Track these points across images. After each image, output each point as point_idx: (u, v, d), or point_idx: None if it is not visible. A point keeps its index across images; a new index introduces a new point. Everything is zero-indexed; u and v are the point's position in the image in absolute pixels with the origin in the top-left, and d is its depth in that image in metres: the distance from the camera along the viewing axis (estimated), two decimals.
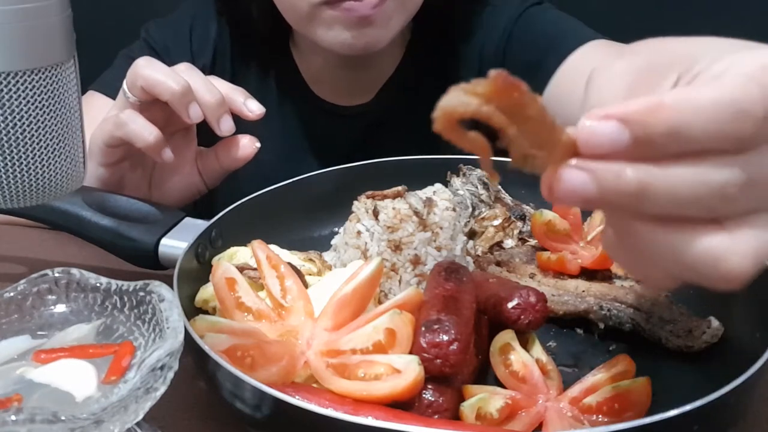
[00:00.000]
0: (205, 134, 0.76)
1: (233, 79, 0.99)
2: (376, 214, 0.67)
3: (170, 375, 0.44)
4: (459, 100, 0.32)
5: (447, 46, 0.97)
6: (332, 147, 1.00)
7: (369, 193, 0.69)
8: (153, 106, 0.72)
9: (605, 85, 0.38)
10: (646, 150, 0.33)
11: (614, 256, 0.38)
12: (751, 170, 0.33)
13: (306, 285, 0.62)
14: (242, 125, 0.75)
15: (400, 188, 0.69)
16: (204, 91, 0.72)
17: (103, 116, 0.84)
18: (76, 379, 0.47)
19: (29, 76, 0.44)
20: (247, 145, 0.76)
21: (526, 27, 0.95)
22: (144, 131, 0.71)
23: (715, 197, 0.33)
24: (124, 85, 0.73)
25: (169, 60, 0.96)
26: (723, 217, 0.33)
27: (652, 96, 0.33)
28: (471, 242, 0.72)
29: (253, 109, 0.75)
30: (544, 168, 0.34)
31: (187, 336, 0.49)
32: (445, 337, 0.50)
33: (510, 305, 0.57)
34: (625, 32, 0.62)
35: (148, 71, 0.71)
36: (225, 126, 0.73)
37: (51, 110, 0.46)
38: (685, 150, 0.33)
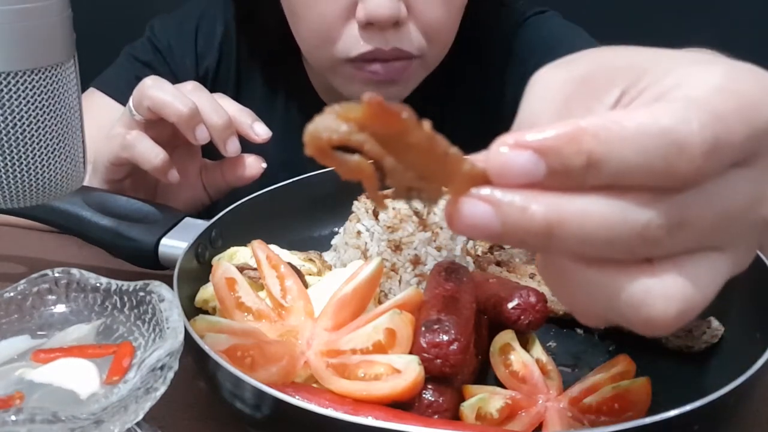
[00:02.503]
0: (210, 144, 0.75)
1: (238, 83, 0.98)
2: (376, 214, 0.67)
3: (170, 375, 0.44)
4: (327, 125, 0.29)
5: (459, 60, 0.96)
6: None
7: None
8: (159, 123, 0.72)
9: (540, 95, 0.33)
10: (565, 181, 0.29)
11: (547, 285, 0.34)
12: (684, 211, 0.29)
13: (306, 285, 0.62)
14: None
15: None
16: (211, 112, 0.72)
17: (103, 116, 0.84)
18: (79, 377, 0.47)
19: (29, 76, 0.44)
20: (253, 164, 0.76)
21: (527, 35, 0.94)
22: (150, 154, 0.71)
23: (635, 239, 0.29)
24: (131, 103, 0.72)
25: (172, 60, 0.96)
26: (653, 257, 0.30)
27: (572, 121, 0.29)
28: (471, 242, 0.72)
29: (260, 132, 0.74)
30: (436, 201, 0.31)
31: (187, 336, 0.49)
32: (445, 337, 0.50)
33: (510, 305, 0.57)
34: (628, 38, 0.63)
35: (155, 92, 0.70)
36: (231, 148, 0.73)
37: (51, 110, 0.46)
38: (607, 183, 0.28)
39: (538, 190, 0.29)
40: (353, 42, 0.78)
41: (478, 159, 0.30)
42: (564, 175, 0.28)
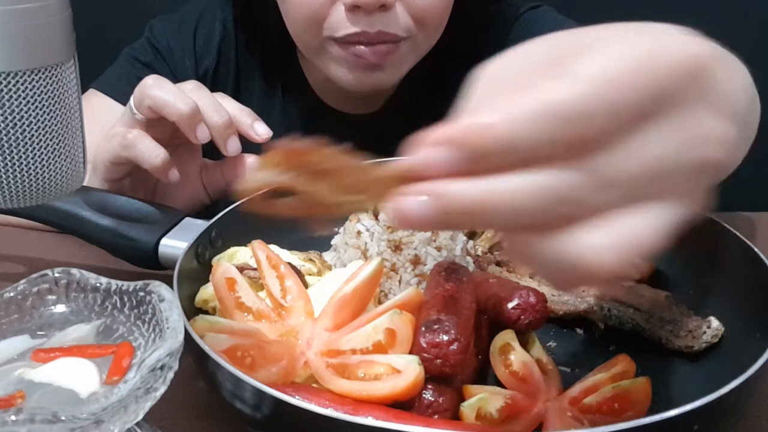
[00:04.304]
0: (210, 144, 0.75)
1: (237, 82, 0.99)
2: (376, 214, 0.67)
3: (170, 375, 0.44)
4: (253, 181, 0.34)
5: (454, 57, 0.96)
6: None
7: None
8: (159, 122, 0.72)
9: (485, 81, 0.35)
10: (487, 164, 0.32)
11: (514, 261, 0.37)
12: (604, 171, 0.31)
13: (306, 285, 0.62)
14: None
15: None
16: (212, 112, 0.72)
17: (103, 117, 0.84)
18: (79, 377, 0.47)
19: (29, 76, 0.44)
20: (253, 164, 0.76)
21: (522, 31, 0.94)
22: (151, 153, 0.71)
23: (560, 204, 0.31)
24: (131, 103, 0.73)
25: (172, 61, 0.96)
26: (588, 215, 0.32)
27: (482, 111, 0.32)
28: (471, 242, 0.72)
29: (261, 132, 0.74)
30: (368, 209, 0.35)
31: (187, 336, 0.49)
32: (445, 337, 0.50)
33: (510, 305, 0.57)
34: None
35: (155, 92, 0.70)
36: (232, 147, 0.73)
37: (51, 110, 0.46)
38: (523, 159, 0.31)
39: (467, 176, 0.32)
40: (340, 23, 0.79)
41: (404, 161, 0.33)
42: (483, 158, 0.31)
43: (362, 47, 0.79)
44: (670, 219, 0.33)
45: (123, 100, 0.90)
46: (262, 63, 0.98)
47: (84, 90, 0.52)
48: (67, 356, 0.48)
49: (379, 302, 0.62)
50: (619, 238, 0.32)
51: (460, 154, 0.32)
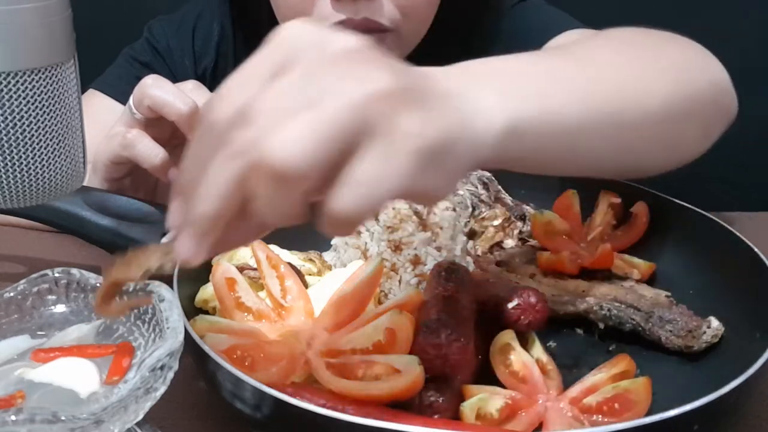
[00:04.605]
0: None
1: None
2: (376, 214, 0.67)
3: (170, 375, 0.44)
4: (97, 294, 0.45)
5: (442, 51, 0.97)
6: None
7: None
8: (159, 122, 0.72)
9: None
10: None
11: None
12: (243, 139, 0.35)
13: (306, 285, 0.62)
14: None
15: None
16: None
17: (103, 116, 0.84)
18: (79, 376, 0.47)
19: (29, 76, 0.44)
20: None
21: (511, 23, 0.95)
22: (151, 153, 0.71)
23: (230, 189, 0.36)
24: (131, 102, 0.73)
25: (171, 61, 0.97)
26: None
27: None
28: (471, 242, 0.72)
29: None
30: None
31: (187, 336, 0.49)
32: (445, 337, 0.50)
33: (510, 305, 0.57)
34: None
35: (155, 91, 0.70)
36: None
37: (51, 110, 0.46)
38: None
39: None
40: (326, 13, 0.79)
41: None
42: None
43: None
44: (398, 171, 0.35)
45: (122, 99, 0.90)
46: None
47: (84, 90, 0.52)
48: (67, 356, 0.48)
49: (379, 302, 0.62)
50: (357, 186, 0.35)
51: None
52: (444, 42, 0.92)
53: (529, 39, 0.89)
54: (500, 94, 0.43)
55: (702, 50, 0.64)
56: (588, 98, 0.49)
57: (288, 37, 0.38)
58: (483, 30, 0.95)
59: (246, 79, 0.37)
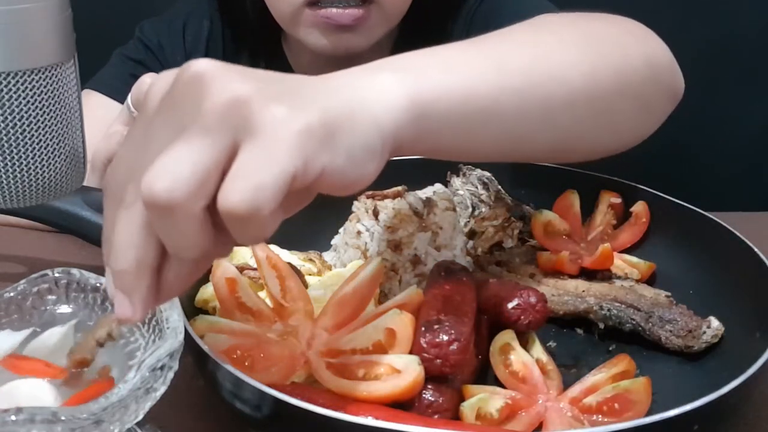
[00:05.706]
0: None
1: None
2: (376, 214, 0.67)
3: (170, 375, 0.44)
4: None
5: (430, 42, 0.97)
6: None
7: (369, 193, 0.69)
8: None
9: None
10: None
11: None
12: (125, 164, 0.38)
13: (306, 285, 0.62)
14: None
15: (400, 188, 0.69)
16: None
17: (101, 114, 0.84)
18: (33, 401, 0.45)
19: (29, 76, 0.44)
20: None
21: (487, 10, 0.95)
22: None
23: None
24: (129, 101, 0.73)
25: (164, 58, 0.98)
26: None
27: None
28: (471, 242, 0.72)
29: None
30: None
31: (187, 336, 0.49)
32: (445, 337, 0.50)
33: (510, 305, 0.57)
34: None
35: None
36: None
37: (51, 110, 0.46)
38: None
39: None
40: None
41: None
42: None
43: (333, 9, 0.83)
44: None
45: (118, 97, 0.91)
46: (250, 55, 1.00)
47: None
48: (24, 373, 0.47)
49: (379, 302, 0.62)
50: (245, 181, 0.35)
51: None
52: (422, 27, 0.94)
53: (503, 23, 0.90)
54: (397, 72, 0.43)
55: (640, 28, 0.63)
56: (498, 73, 0.48)
57: (148, 94, 0.39)
58: (460, 12, 0.97)
59: (129, 142, 0.39)
